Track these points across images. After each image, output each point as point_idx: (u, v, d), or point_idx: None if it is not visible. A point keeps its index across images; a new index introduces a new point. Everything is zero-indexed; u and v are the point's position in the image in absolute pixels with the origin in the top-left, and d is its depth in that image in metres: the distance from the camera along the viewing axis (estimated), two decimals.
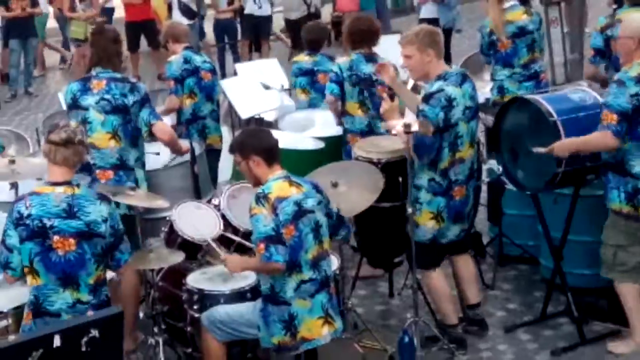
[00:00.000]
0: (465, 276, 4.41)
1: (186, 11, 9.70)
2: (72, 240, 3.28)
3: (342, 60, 5.14)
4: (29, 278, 3.30)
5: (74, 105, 4.45)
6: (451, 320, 4.30)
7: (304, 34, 6.04)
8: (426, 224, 4.15)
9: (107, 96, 4.41)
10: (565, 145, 3.96)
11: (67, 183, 3.36)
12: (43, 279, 3.29)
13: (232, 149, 3.73)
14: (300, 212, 3.55)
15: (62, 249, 3.28)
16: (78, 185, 3.40)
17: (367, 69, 5.04)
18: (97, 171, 4.40)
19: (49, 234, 3.27)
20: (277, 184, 3.57)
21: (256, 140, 3.67)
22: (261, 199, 3.52)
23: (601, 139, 3.88)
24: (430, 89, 4.05)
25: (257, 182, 3.66)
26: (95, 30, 4.72)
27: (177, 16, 9.75)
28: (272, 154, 3.64)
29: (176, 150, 4.76)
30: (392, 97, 4.32)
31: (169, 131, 4.62)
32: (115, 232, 3.42)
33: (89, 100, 4.42)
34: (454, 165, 4.10)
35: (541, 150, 4.00)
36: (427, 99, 4.04)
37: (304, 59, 5.86)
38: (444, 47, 4.24)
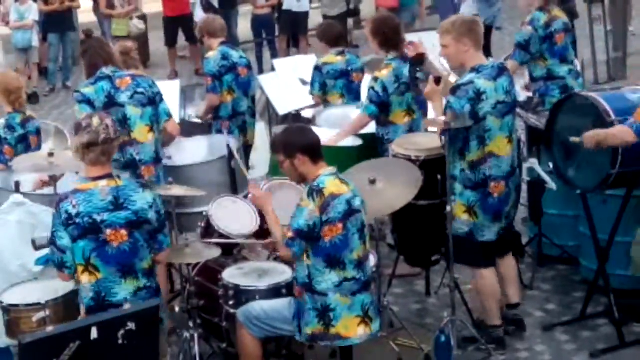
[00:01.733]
0: (507, 276, 4.35)
1: (208, 8, 9.69)
2: (124, 232, 3.30)
3: (383, 74, 4.88)
4: (84, 276, 3.31)
5: (111, 103, 4.44)
6: (494, 321, 4.24)
7: (322, 34, 5.87)
8: (461, 217, 4.12)
9: (140, 89, 4.50)
10: (591, 135, 3.90)
11: (109, 176, 3.36)
12: (103, 272, 3.31)
13: (275, 149, 3.70)
14: (350, 211, 3.55)
15: (116, 241, 3.30)
16: (119, 177, 3.41)
17: (406, 71, 4.92)
18: (143, 167, 4.44)
19: (102, 229, 3.29)
20: (330, 180, 3.56)
21: (300, 138, 3.64)
22: (315, 192, 3.52)
23: (622, 134, 3.84)
24: (461, 80, 4.01)
25: (302, 180, 3.65)
26: (86, 34, 4.81)
27: (200, 13, 9.78)
28: (316, 151, 3.61)
29: (166, 144, 4.82)
30: (437, 80, 4.24)
31: (178, 128, 4.83)
32: (160, 217, 3.44)
33: (122, 97, 4.45)
34: (485, 160, 4.05)
35: (576, 139, 3.95)
36: (454, 90, 4.00)
37: (336, 60, 5.70)
38: (483, 37, 4.16)
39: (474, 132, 4.00)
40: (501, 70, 4.11)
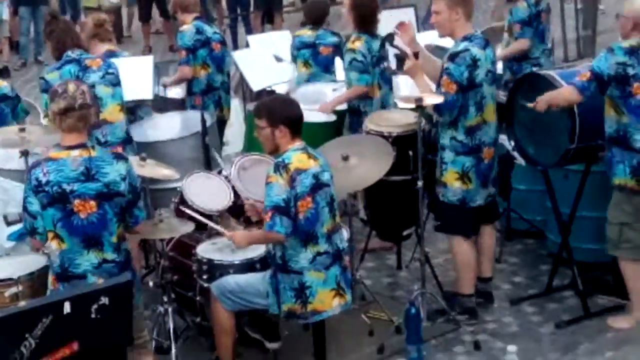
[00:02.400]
0: (485, 245, 4.44)
1: None
2: (92, 203, 3.29)
3: (357, 45, 4.99)
4: (54, 243, 3.32)
5: None
6: (468, 290, 4.32)
7: (307, 11, 5.97)
8: (453, 185, 4.17)
9: (111, 70, 4.56)
10: (543, 99, 4.03)
11: (82, 146, 3.34)
12: (67, 243, 3.31)
13: (259, 114, 3.66)
14: (317, 184, 3.57)
15: (83, 212, 3.28)
16: (93, 147, 3.38)
17: (376, 46, 5.02)
18: (108, 148, 4.43)
19: (70, 199, 3.27)
20: (297, 155, 3.58)
21: (287, 110, 3.63)
22: (280, 168, 3.53)
23: (566, 92, 3.98)
24: (456, 48, 4.06)
25: (275, 150, 3.65)
26: (51, 15, 4.75)
27: None
28: (298, 126, 3.62)
29: None
30: (415, 55, 4.29)
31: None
32: (134, 189, 3.42)
33: (92, 77, 4.47)
34: (480, 126, 4.13)
35: (529, 105, 4.07)
36: (452, 57, 4.05)
37: (306, 33, 5.78)
38: (474, 8, 4.20)
39: (471, 99, 4.07)
40: (487, 41, 4.20)
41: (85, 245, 3.32)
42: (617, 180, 4.00)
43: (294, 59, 5.81)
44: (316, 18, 5.85)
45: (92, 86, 4.41)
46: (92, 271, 3.32)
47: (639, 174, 3.93)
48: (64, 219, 3.28)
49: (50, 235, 3.32)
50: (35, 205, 3.29)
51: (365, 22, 5.03)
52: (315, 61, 5.75)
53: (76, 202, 3.27)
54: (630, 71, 3.86)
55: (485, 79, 4.12)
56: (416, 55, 4.30)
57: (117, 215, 3.37)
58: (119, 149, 4.43)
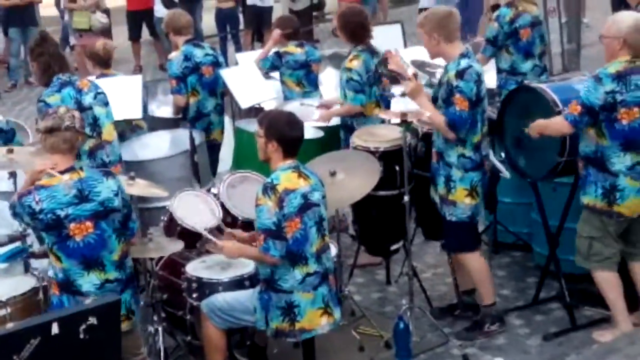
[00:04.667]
0: None
1: (168, 3, 9.65)
2: (89, 223, 3.31)
3: (355, 64, 4.97)
4: (52, 258, 3.35)
5: (80, 109, 4.41)
6: (490, 299, 4.34)
7: (281, 27, 5.95)
8: (463, 202, 4.18)
9: (99, 90, 4.61)
10: (534, 125, 4.09)
11: (71, 169, 3.37)
12: (65, 263, 3.34)
13: (262, 121, 3.66)
14: (306, 205, 3.56)
15: (79, 235, 3.31)
16: (82, 169, 3.42)
17: (374, 64, 5.02)
18: (112, 168, 4.42)
19: (64, 224, 3.30)
20: (286, 174, 3.57)
21: (286, 129, 3.60)
22: (269, 189, 3.52)
23: (558, 125, 4.02)
24: (459, 66, 4.07)
25: (266, 160, 3.66)
26: (42, 36, 4.67)
27: (160, 7, 9.75)
28: (293, 148, 3.61)
29: None
30: (415, 76, 4.33)
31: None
32: (126, 202, 3.47)
33: (87, 99, 4.50)
34: (483, 139, 4.19)
35: (527, 130, 4.13)
36: (460, 75, 4.06)
37: (296, 51, 5.81)
38: (457, 28, 4.21)
39: (478, 114, 4.13)
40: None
41: (85, 267, 3.35)
42: (587, 199, 4.04)
43: (282, 76, 5.82)
44: (293, 34, 5.86)
45: (90, 108, 4.46)
46: (94, 292, 3.35)
47: (609, 196, 3.97)
48: (60, 243, 3.32)
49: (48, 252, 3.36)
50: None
51: (357, 35, 5.04)
52: (308, 80, 5.80)
53: (71, 225, 3.30)
54: (619, 97, 3.89)
55: (485, 93, 4.20)
56: (416, 76, 4.32)
57: (116, 232, 3.39)
58: (118, 167, 4.47)
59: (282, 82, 5.89)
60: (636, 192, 3.94)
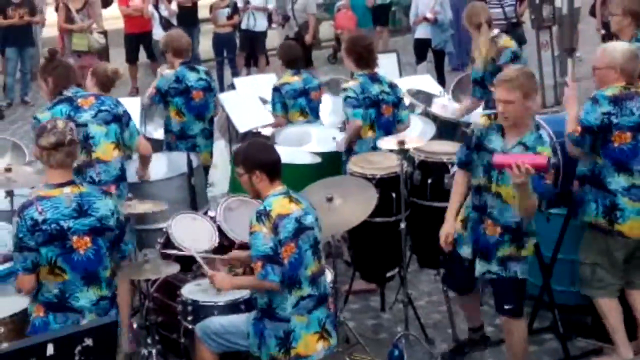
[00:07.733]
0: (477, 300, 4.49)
1: (167, 26, 9.72)
2: (87, 238, 3.33)
3: (352, 83, 5.04)
4: (50, 276, 3.32)
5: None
6: None
7: (282, 54, 6.02)
8: (529, 256, 4.02)
9: (104, 107, 4.49)
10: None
11: (71, 182, 3.38)
12: (69, 276, 3.33)
13: (236, 161, 3.71)
14: (300, 229, 3.57)
15: (82, 248, 3.32)
16: (81, 184, 3.44)
17: (375, 90, 5.04)
18: (103, 187, 4.39)
19: (68, 236, 3.30)
20: (278, 200, 3.57)
21: (261, 154, 3.64)
22: (262, 216, 3.52)
23: (568, 148, 4.10)
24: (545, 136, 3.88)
25: (257, 196, 3.69)
26: (50, 53, 4.65)
27: (158, 30, 9.82)
28: (275, 170, 3.62)
29: (144, 167, 4.81)
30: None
31: (150, 148, 4.77)
32: (120, 223, 3.48)
33: (84, 116, 4.44)
34: None
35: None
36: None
37: (293, 79, 5.81)
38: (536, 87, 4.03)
39: None
40: None
41: (86, 282, 3.35)
42: (588, 218, 4.09)
43: (284, 107, 5.76)
44: (292, 62, 5.90)
45: (85, 125, 4.44)
46: (89, 308, 3.35)
47: (610, 214, 4.02)
48: (65, 255, 3.31)
49: (45, 270, 3.33)
50: (32, 243, 3.29)
51: (363, 61, 5.08)
52: (310, 107, 5.82)
53: (74, 238, 3.32)
54: (614, 120, 3.97)
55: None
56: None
57: (109, 250, 3.42)
58: (112, 188, 4.42)
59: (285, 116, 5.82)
60: (636, 214, 3.99)
